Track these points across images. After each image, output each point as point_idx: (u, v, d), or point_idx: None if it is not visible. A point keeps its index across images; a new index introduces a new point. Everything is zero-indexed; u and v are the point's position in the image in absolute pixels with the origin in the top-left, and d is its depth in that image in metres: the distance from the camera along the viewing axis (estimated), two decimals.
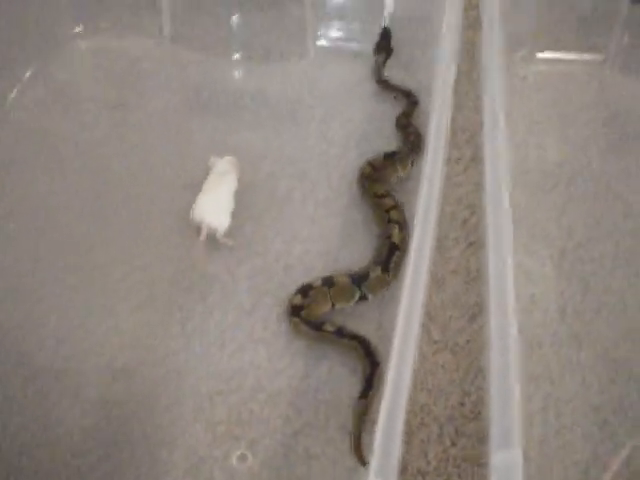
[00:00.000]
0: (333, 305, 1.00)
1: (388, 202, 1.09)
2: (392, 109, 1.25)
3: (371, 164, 1.15)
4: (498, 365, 0.69)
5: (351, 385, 0.92)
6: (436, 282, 1.02)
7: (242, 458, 0.88)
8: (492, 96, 0.93)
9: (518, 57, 1.32)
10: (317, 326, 0.97)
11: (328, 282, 1.01)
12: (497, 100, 0.92)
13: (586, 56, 1.33)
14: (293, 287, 1.02)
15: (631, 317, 0.98)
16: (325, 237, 1.09)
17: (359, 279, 1.00)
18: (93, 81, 1.36)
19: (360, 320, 1.00)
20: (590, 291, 1.01)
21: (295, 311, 0.99)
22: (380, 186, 1.12)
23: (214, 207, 1.08)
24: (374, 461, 0.62)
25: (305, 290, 1.01)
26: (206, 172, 1.14)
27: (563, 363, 0.94)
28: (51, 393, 0.93)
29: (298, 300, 1.00)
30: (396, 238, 1.04)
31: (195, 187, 1.12)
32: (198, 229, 1.07)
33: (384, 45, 1.33)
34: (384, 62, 1.31)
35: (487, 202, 0.81)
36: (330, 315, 1.00)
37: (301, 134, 1.23)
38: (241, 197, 1.12)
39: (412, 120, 1.22)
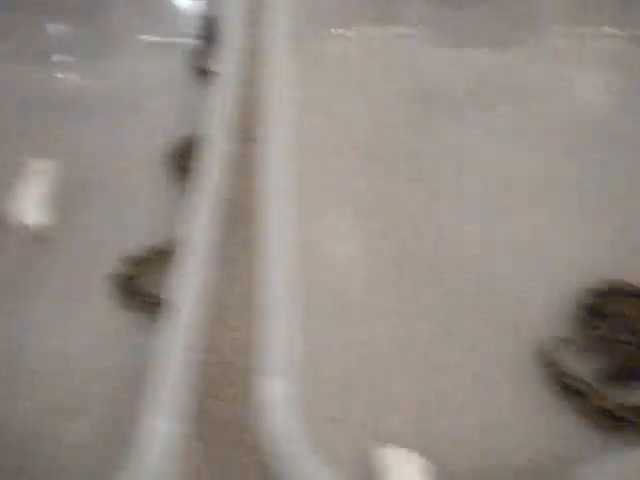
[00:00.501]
0: None
1: None
2: None
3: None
4: None
5: None
6: None
7: None
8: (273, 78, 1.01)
9: (311, 33, 1.39)
10: None
11: None
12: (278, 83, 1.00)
13: (388, 29, 1.42)
14: None
15: (423, 268, 1.09)
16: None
17: None
18: None
19: None
20: (393, 248, 1.11)
21: None
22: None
23: None
24: None
25: None
26: None
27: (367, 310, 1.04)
28: None
29: None
30: None
31: None
32: None
33: (207, 34, 1.37)
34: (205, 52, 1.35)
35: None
36: None
37: (134, 129, 1.28)
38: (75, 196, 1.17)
39: None
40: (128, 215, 1.16)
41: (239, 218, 1.05)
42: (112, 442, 0.89)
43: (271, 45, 1.07)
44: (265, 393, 0.70)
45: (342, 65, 1.38)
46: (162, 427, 0.69)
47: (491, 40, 1.41)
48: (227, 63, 1.05)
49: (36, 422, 0.94)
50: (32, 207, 1.13)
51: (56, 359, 1.00)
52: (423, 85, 1.36)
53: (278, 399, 0.69)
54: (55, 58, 1.41)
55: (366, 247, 1.10)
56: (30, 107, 1.33)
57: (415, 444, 0.89)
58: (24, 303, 1.06)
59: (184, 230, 0.89)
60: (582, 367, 0.97)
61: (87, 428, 0.92)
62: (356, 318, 1.02)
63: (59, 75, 1.39)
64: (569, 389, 0.93)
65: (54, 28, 1.43)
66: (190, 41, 1.38)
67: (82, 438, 0.92)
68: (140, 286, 1.05)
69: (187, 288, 0.81)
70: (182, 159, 1.17)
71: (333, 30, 1.42)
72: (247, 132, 1.08)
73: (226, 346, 0.99)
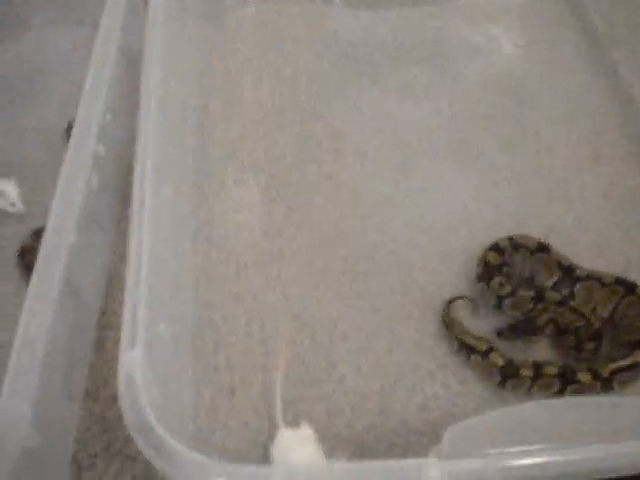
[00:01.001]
0: None
1: None
2: None
3: None
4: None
5: None
6: None
7: None
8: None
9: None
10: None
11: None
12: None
13: None
14: None
15: (325, 230, 1.07)
16: None
17: None
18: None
19: None
20: (293, 211, 1.09)
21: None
22: None
23: None
24: None
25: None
26: None
27: (266, 279, 1.02)
28: None
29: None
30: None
31: None
32: None
33: None
34: None
35: None
36: None
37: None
38: None
39: None
40: None
41: None
42: None
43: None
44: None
45: (255, 31, 1.36)
46: None
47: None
48: None
49: None
50: None
51: None
52: (336, 47, 1.33)
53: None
54: None
55: (266, 212, 1.08)
56: None
57: (317, 406, 0.88)
58: None
59: None
60: (484, 324, 0.96)
61: None
62: (252, 285, 1.00)
63: None
64: (467, 347, 0.92)
65: None
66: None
67: None
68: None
69: None
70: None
71: None
72: None
73: None
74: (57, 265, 0.78)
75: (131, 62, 1.01)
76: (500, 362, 0.89)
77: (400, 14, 1.37)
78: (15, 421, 0.68)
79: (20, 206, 1.08)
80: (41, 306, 0.75)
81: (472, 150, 1.17)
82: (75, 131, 0.90)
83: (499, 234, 1.02)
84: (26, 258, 1.01)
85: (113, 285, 1.01)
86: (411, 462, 0.62)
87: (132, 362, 0.66)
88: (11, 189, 1.08)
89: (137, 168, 0.83)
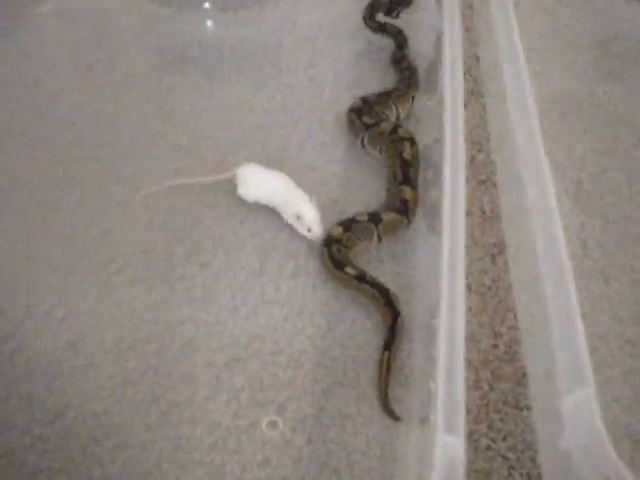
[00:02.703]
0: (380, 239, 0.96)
1: (385, 126, 1.04)
2: (381, 46, 1.20)
3: (363, 99, 1.10)
4: (556, 303, 0.65)
5: (378, 337, 0.87)
6: None
7: (272, 425, 0.82)
8: (503, 26, 0.88)
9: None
10: (340, 265, 0.92)
11: (374, 218, 0.95)
12: (509, 31, 0.87)
13: None
14: (301, 242, 0.96)
15: None
16: (328, 185, 1.03)
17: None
18: (60, 45, 1.27)
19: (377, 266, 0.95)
20: (610, 222, 0.97)
21: (329, 243, 0.94)
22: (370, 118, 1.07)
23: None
24: (440, 420, 0.58)
25: (347, 224, 0.95)
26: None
27: (592, 299, 0.90)
28: (57, 379, 0.86)
29: (337, 232, 0.94)
30: (407, 154, 0.99)
31: (184, 147, 1.05)
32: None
33: None
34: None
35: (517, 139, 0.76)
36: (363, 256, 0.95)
37: (288, 81, 1.17)
38: (234, 150, 1.05)
39: (406, 54, 1.16)
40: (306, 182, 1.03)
41: None
42: None
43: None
44: None
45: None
46: None
47: None
48: None
49: None
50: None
51: None
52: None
53: None
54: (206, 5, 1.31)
55: None
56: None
57: None
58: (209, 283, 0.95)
59: None
60: None
61: None
62: None
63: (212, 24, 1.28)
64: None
65: None
66: None
67: None
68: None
69: None
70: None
71: None
72: None
73: None
74: None
75: None
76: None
77: None
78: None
79: (317, 231, 0.96)
80: None
81: None
82: None
83: None
84: None
85: None
86: None
87: None
88: (308, 211, 0.96)
89: None
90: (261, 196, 0.99)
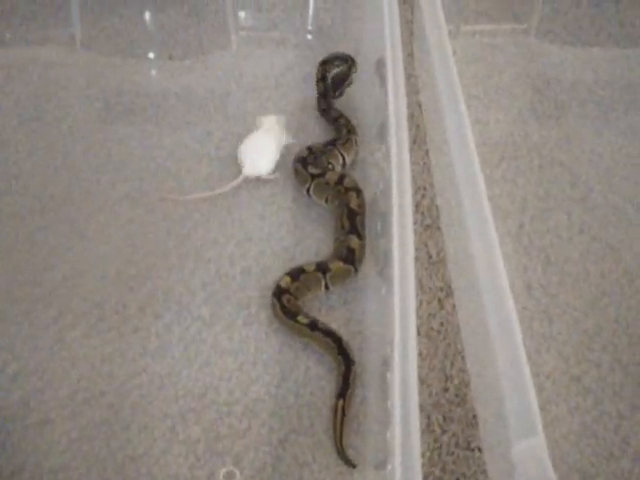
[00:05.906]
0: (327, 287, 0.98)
1: (331, 176, 1.07)
2: None
3: (309, 148, 1.12)
4: (502, 346, 0.67)
5: (331, 383, 0.89)
6: None
7: (229, 475, 0.82)
8: (444, 74, 0.91)
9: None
10: (292, 315, 0.94)
11: (322, 267, 0.98)
12: (450, 78, 0.90)
13: (509, 26, 1.34)
14: (253, 291, 0.98)
15: (595, 285, 0.99)
16: (278, 233, 1.05)
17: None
18: (5, 96, 1.26)
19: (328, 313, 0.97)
20: (551, 263, 1.01)
21: (278, 293, 0.95)
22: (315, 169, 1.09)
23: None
24: (397, 470, 0.60)
25: (295, 274, 0.97)
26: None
27: (536, 339, 0.93)
28: (11, 437, 0.85)
29: (285, 283, 0.96)
30: (354, 204, 1.02)
31: (136, 198, 1.06)
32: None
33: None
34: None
35: (460, 184, 0.79)
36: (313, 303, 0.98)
37: (235, 129, 1.18)
38: (185, 202, 1.06)
39: (331, 103, 1.19)
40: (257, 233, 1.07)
41: None
42: None
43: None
44: None
45: None
46: None
47: None
48: None
49: None
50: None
51: None
52: None
53: None
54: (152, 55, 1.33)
55: None
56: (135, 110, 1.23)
57: None
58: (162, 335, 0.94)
59: None
60: None
61: None
62: None
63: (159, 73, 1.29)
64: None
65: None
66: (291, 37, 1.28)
67: None
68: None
69: None
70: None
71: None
72: None
73: None
74: None
75: None
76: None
77: None
78: None
79: None
80: None
81: None
82: None
83: None
84: None
85: None
86: None
87: None
88: None
89: None
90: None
